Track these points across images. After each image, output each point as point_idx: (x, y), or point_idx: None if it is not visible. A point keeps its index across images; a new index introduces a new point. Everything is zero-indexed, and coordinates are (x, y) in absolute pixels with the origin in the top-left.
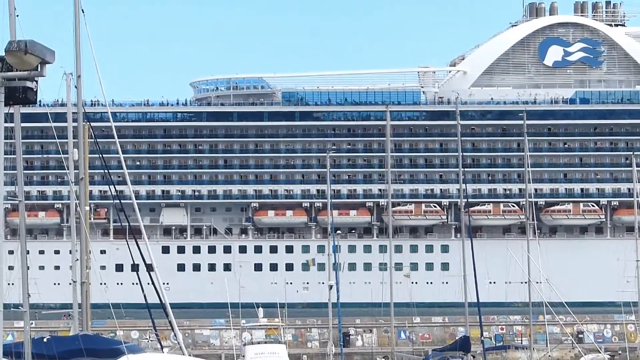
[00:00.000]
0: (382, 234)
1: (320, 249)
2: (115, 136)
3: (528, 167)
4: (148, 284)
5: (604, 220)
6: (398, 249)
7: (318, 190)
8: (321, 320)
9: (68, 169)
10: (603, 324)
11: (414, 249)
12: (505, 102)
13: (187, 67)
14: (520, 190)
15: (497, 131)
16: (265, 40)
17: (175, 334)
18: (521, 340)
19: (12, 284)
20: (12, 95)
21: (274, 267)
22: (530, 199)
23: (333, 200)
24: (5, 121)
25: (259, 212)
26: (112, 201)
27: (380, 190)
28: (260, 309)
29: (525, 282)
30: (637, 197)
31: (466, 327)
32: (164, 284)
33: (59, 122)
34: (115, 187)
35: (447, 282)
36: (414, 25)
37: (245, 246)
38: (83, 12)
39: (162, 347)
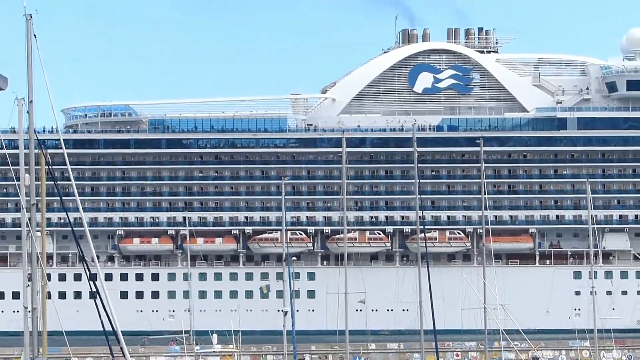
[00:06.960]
0: (249, 261)
1: (185, 276)
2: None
3: (485, 193)
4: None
5: (470, 247)
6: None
7: (184, 218)
8: (276, 347)
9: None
10: (558, 350)
11: (279, 276)
12: (372, 129)
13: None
14: (386, 217)
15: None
16: (135, 66)
17: None
18: None
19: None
20: None
21: (140, 294)
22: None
23: (197, 228)
24: None
25: (125, 240)
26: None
27: (246, 217)
28: (215, 335)
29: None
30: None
31: (422, 354)
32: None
33: (13, 148)
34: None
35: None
36: (288, 51)
37: (111, 274)
38: (35, 37)
39: None
